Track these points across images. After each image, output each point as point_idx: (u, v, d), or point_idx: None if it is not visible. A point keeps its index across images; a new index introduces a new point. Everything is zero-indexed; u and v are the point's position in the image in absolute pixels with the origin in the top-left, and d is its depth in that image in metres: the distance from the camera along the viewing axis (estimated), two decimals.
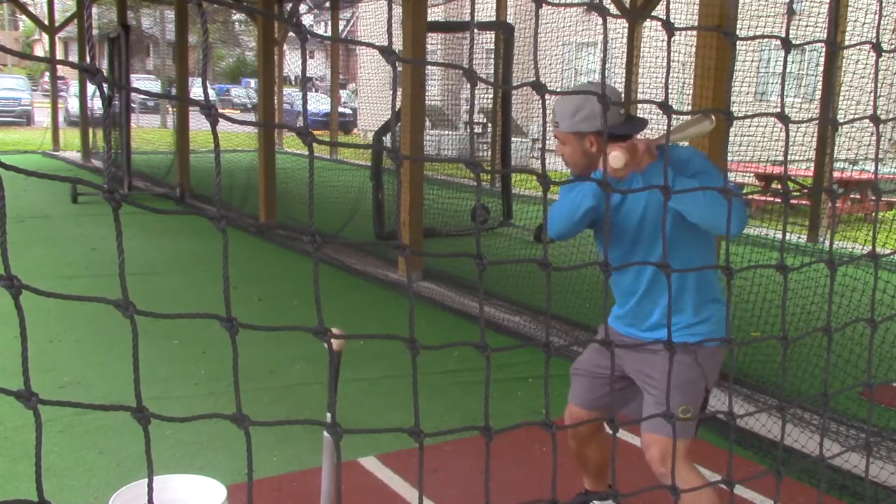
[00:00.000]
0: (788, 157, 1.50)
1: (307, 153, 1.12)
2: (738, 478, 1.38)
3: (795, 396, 4.31)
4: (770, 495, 3.31)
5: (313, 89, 34.48)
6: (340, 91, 24.11)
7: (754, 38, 1.50)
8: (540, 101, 1.25)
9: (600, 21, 1.27)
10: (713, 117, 2.55)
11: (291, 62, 28.46)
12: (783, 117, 1.41)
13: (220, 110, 1.04)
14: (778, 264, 1.46)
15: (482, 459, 1.31)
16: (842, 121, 1.64)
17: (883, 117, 1.56)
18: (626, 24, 11.16)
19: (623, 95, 11.57)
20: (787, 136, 1.47)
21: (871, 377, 1.62)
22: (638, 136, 2.55)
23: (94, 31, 16.43)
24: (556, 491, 1.26)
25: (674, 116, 1.35)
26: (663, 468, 2.56)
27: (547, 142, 1.26)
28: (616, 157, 2.32)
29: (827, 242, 9.32)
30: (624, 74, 11.27)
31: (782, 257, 1.50)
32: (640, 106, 10.34)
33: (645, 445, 2.64)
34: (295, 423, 1.17)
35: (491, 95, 12.25)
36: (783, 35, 1.41)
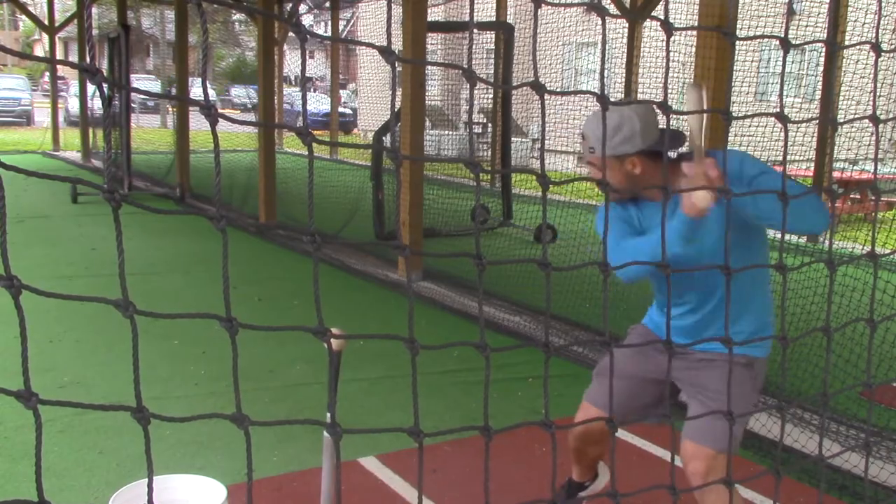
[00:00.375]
0: (788, 157, 1.50)
1: (307, 153, 1.12)
2: (738, 478, 1.38)
3: (795, 396, 4.31)
4: (770, 495, 3.31)
5: (313, 89, 34.47)
6: (340, 91, 24.10)
7: (754, 38, 1.50)
8: (540, 101, 1.25)
9: (600, 21, 1.27)
10: (700, 86, 2.21)
11: (291, 62, 28.43)
12: (783, 117, 1.41)
13: (219, 110, 1.04)
14: (778, 264, 1.46)
15: (482, 459, 1.31)
16: (842, 121, 1.64)
17: (883, 117, 1.56)
18: (626, 24, 11.17)
19: (625, 97, 11.57)
20: (787, 136, 1.47)
21: (870, 377, 1.62)
22: (671, 154, 2.40)
23: (94, 31, 16.44)
24: (555, 491, 1.26)
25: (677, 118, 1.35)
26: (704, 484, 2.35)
27: (546, 141, 1.26)
28: (704, 197, 2.04)
29: (827, 242, 9.31)
30: (624, 74, 11.28)
31: (782, 257, 1.50)
32: None
33: (688, 457, 2.42)
34: (295, 423, 1.17)
35: (491, 95, 12.25)
36: (783, 35, 1.42)
